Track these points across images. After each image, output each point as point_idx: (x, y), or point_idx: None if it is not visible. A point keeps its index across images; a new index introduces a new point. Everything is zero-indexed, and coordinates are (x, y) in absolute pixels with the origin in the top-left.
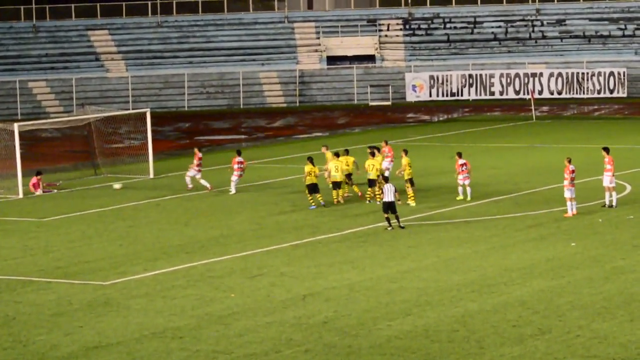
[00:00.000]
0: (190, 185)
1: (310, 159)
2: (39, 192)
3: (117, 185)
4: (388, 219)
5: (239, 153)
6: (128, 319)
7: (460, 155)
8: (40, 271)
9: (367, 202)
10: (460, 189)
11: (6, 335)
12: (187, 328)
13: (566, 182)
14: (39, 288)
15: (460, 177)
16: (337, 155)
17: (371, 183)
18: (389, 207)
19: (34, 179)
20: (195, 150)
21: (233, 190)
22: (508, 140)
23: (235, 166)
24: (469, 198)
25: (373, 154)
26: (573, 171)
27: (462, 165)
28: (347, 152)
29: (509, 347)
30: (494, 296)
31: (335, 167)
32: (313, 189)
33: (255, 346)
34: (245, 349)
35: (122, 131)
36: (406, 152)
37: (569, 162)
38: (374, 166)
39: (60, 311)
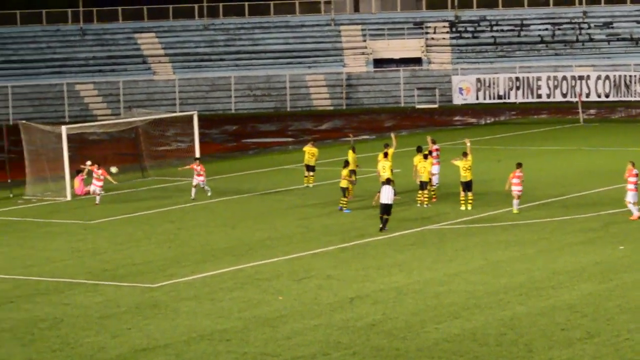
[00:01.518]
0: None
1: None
2: (89, 187)
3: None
4: (382, 219)
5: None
6: (176, 322)
7: (519, 166)
8: (88, 273)
9: (417, 205)
10: (515, 201)
11: (54, 337)
12: (234, 330)
13: (631, 186)
14: (86, 290)
15: (514, 188)
16: (385, 155)
17: (422, 186)
18: (386, 209)
19: (78, 178)
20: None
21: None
22: (555, 143)
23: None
24: (515, 210)
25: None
26: (637, 174)
27: (518, 177)
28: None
29: (557, 351)
30: (542, 299)
31: (383, 167)
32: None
33: (303, 349)
34: (292, 352)
35: (169, 134)
36: (465, 154)
37: (633, 165)
38: (425, 168)
39: (108, 313)
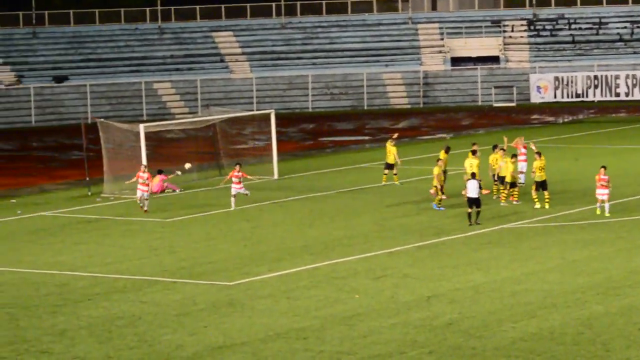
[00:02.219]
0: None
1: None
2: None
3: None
4: (470, 215)
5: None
6: (252, 320)
7: (604, 168)
8: (165, 271)
9: (501, 203)
10: (598, 203)
11: (132, 334)
12: (311, 329)
13: None
14: (164, 288)
15: (599, 191)
16: (474, 152)
17: (502, 181)
18: (474, 202)
19: (158, 179)
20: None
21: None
22: (633, 142)
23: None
24: (607, 214)
25: (474, 152)
26: None
27: (604, 179)
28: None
29: (635, 350)
30: (620, 299)
31: (470, 165)
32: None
33: (380, 347)
34: (369, 350)
35: (246, 132)
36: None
37: None
38: (504, 166)
39: (185, 311)
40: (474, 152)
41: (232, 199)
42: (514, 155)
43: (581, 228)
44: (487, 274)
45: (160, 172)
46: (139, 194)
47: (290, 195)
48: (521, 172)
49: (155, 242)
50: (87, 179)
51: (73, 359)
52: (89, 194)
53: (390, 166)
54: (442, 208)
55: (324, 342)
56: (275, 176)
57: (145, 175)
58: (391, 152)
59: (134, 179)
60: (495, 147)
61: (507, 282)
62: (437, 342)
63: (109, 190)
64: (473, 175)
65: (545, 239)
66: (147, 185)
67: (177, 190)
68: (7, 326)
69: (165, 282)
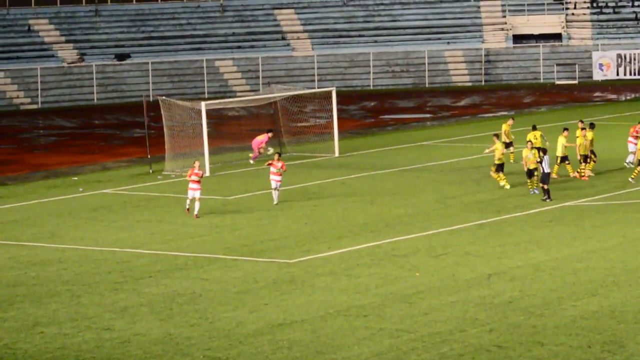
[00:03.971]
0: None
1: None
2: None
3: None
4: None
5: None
6: (313, 297)
7: None
8: (226, 249)
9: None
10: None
11: (193, 311)
12: (371, 306)
13: None
14: (225, 265)
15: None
16: (534, 128)
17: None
18: (546, 178)
19: (264, 138)
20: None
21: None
22: None
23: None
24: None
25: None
26: None
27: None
28: (534, 128)
29: None
30: None
31: (534, 136)
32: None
33: (440, 325)
34: (429, 328)
35: (307, 110)
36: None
37: None
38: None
39: (245, 289)
40: (534, 127)
41: (274, 193)
42: (565, 129)
43: None
44: (548, 252)
45: (270, 131)
46: (190, 194)
47: (352, 173)
48: (631, 152)
49: (217, 219)
50: (149, 156)
51: (134, 336)
52: (151, 171)
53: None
54: (535, 191)
55: (384, 320)
56: (336, 154)
57: (201, 172)
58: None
59: (187, 176)
60: (592, 125)
61: (568, 260)
62: (497, 320)
63: (170, 167)
64: (544, 151)
65: (607, 217)
66: (199, 182)
67: (251, 160)
68: (68, 303)
69: (226, 260)
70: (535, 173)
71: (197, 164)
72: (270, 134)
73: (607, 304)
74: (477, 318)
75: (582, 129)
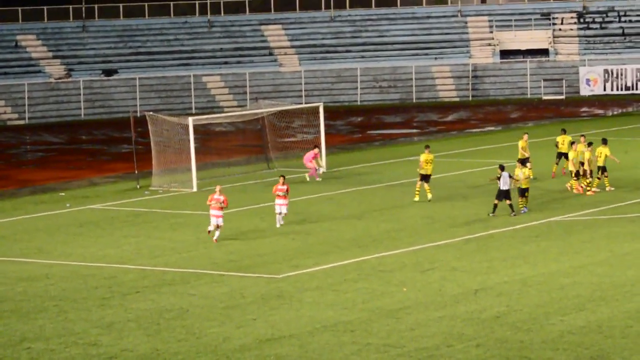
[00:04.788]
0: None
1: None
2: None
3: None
4: (495, 206)
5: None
6: (300, 312)
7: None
8: (213, 264)
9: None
10: None
11: (180, 327)
12: (358, 321)
13: None
14: (212, 281)
15: None
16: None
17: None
18: (504, 195)
19: (311, 154)
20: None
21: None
22: None
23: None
24: None
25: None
26: None
27: None
28: (564, 132)
29: None
30: None
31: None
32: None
33: (427, 340)
34: (416, 343)
35: (295, 125)
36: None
37: None
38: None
39: (233, 304)
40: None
41: (278, 217)
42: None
43: (630, 221)
44: (535, 267)
45: (315, 146)
46: (213, 221)
47: (339, 189)
48: None
49: (204, 234)
50: (136, 172)
51: (121, 352)
52: (138, 187)
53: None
54: (525, 209)
55: (371, 335)
56: (324, 169)
57: (222, 198)
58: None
59: (207, 202)
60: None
61: (555, 275)
62: (484, 335)
63: (158, 183)
64: (502, 168)
65: (594, 232)
66: (221, 209)
67: (317, 177)
68: (56, 318)
69: (213, 275)
70: (526, 194)
71: (218, 188)
72: (317, 150)
73: (594, 318)
74: (464, 333)
75: (589, 143)
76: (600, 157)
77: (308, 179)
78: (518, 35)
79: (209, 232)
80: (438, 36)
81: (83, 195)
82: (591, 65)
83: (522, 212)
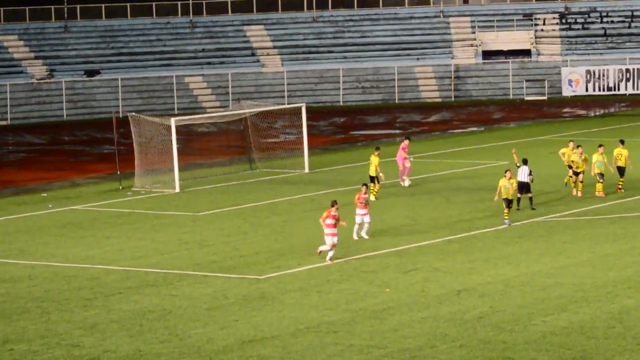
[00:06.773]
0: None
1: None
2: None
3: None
4: (519, 200)
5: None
6: (283, 313)
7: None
8: (196, 265)
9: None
10: None
11: (163, 328)
12: (341, 322)
13: None
14: (195, 282)
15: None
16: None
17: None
18: (525, 188)
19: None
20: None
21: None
22: None
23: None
24: None
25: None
26: None
27: None
28: (622, 143)
29: None
30: None
31: (619, 154)
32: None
33: (410, 341)
34: (399, 344)
35: (277, 126)
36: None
37: None
38: (622, 155)
39: (215, 305)
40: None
41: (356, 228)
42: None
43: (612, 222)
44: (517, 268)
45: (408, 138)
46: (328, 240)
47: (321, 189)
48: None
49: (186, 235)
50: (119, 172)
51: (104, 353)
52: (120, 187)
53: (372, 179)
54: (508, 222)
55: (354, 336)
56: (306, 170)
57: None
58: (373, 163)
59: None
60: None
61: (537, 276)
62: (467, 335)
63: (140, 184)
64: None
65: (576, 233)
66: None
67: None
68: (38, 320)
69: (196, 276)
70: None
71: (336, 206)
72: (407, 141)
73: (576, 319)
74: (447, 334)
75: (600, 145)
76: (619, 159)
77: (407, 182)
78: (500, 35)
79: (320, 252)
80: (420, 37)
81: (65, 196)
82: (573, 66)
83: (506, 224)
